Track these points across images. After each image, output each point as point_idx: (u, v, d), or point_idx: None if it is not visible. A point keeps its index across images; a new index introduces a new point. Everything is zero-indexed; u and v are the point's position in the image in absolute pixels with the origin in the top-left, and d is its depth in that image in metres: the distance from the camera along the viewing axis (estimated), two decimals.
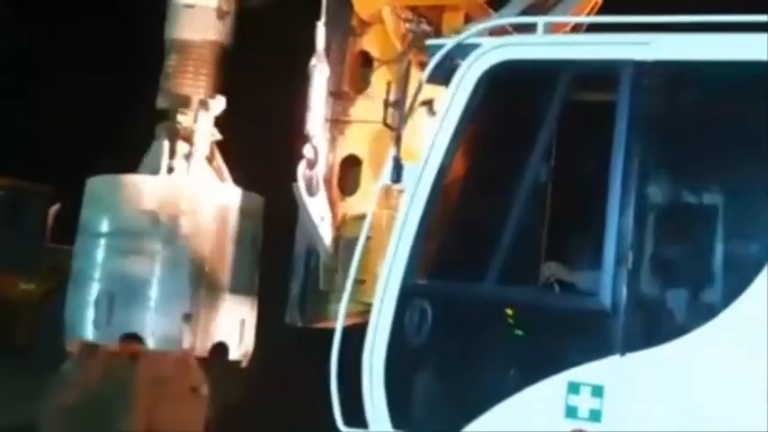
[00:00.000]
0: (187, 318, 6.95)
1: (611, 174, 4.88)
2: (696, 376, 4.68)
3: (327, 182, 7.03)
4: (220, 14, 7.43)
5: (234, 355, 7.27)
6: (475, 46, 5.30)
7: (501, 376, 5.03)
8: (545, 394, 4.89)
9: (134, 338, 6.88)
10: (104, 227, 7.29)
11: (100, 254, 7.24)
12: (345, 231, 6.91)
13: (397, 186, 6.81)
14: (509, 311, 5.05)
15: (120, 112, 13.33)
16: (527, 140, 5.09)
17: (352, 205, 7.03)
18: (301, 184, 6.70)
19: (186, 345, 6.92)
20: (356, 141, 7.07)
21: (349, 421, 5.30)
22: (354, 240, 6.73)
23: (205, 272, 7.09)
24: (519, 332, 5.02)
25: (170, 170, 7.33)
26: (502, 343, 5.07)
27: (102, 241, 7.27)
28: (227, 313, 7.19)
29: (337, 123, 7.08)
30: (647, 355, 4.75)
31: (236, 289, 7.30)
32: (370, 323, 5.35)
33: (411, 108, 5.46)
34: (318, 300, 7.06)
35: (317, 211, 6.78)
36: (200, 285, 7.08)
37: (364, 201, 7.01)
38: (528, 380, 4.93)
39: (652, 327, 4.81)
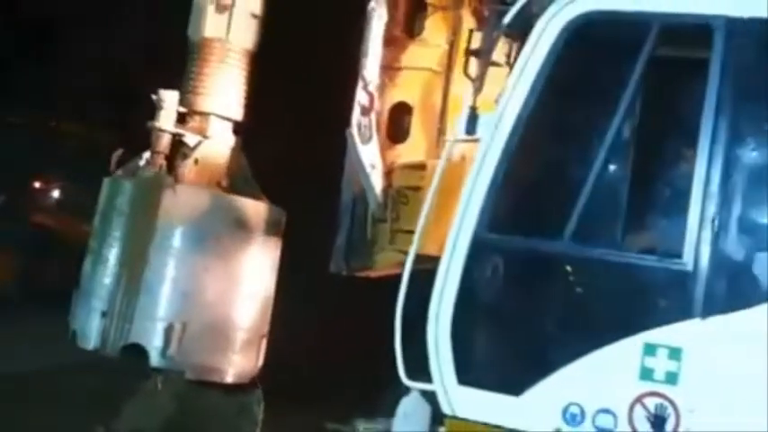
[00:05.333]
0: (102, 315, 6.68)
1: (700, 134, 4.75)
2: None
3: (377, 130, 6.86)
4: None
5: (156, 361, 6.66)
6: None
7: (574, 335, 4.94)
8: (620, 355, 4.79)
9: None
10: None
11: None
12: (394, 180, 6.76)
13: (448, 137, 6.80)
14: (586, 270, 4.94)
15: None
16: (610, 96, 4.95)
17: (402, 153, 6.87)
18: (355, 130, 6.52)
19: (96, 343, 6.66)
20: (407, 88, 6.90)
21: (413, 375, 5.20)
22: (404, 190, 6.67)
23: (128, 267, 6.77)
24: (596, 291, 4.91)
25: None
26: (577, 302, 4.97)
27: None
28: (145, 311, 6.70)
29: (388, 70, 6.89)
30: (728, 319, 4.66)
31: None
32: (437, 276, 5.22)
33: (488, 57, 5.29)
34: (364, 249, 6.93)
35: (369, 158, 6.62)
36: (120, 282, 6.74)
37: (414, 149, 6.88)
38: (602, 340, 4.83)
39: (735, 291, 4.72)
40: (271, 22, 7.31)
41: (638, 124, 4.98)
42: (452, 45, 6.84)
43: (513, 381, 4.97)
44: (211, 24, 7.19)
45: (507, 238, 5.12)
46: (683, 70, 4.93)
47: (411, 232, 6.44)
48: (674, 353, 4.70)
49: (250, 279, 6.99)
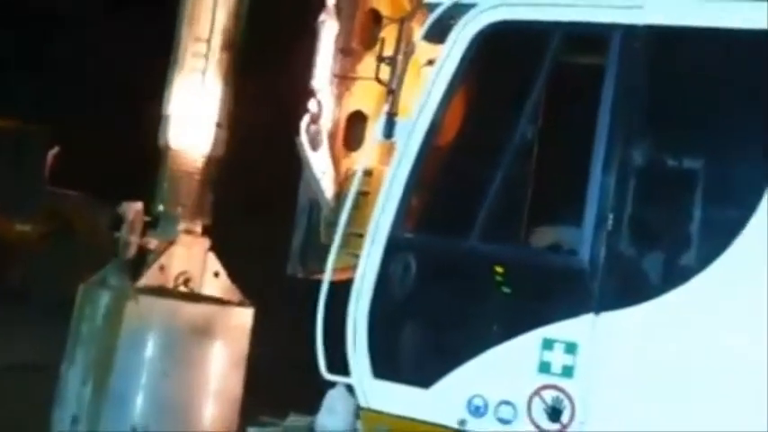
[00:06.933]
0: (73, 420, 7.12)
1: (596, 136, 4.95)
2: (668, 337, 4.76)
3: (333, 137, 7.10)
4: None
5: None
6: (471, 5, 5.36)
7: (478, 330, 5.14)
8: (520, 349, 4.99)
9: None
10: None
11: None
12: (348, 186, 7.00)
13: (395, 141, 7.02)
14: (489, 267, 5.14)
15: (122, 56, 13.19)
16: (517, 101, 5.16)
17: (357, 160, 7.11)
18: (304, 138, 6.79)
19: None
20: (363, 98, 7.12)
21: (335, 370, 5.43)
22: (356, 195, 6.91)
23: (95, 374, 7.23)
24: (498, 288, 5.11)
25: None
26: (481, 298, 5.17)
27: None
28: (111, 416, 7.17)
29: (345, 80, 7.14)
30: (620, 314, 4.84)
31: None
32: (356, 274, 5.47)
33: (404, 65, 5.53)
34: (319, 252, 7.17)
35: (320, 165, 6.87)
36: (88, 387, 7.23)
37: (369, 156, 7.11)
38: (504, 335, 5.04)
39: (627, 287, 4.89)
40: None
41: (540, 128, 5.20)
42: (406, 56, 7.08)
43: (423, 374, 5.19)
44: (174, 135, 7.57)
45: (420, 237, 5.36)
46: (584, 77, 5.12)
47: (362, 236, 6.70)
48: (570, 347, 4.89)
49: (214, 382, 7.34)
